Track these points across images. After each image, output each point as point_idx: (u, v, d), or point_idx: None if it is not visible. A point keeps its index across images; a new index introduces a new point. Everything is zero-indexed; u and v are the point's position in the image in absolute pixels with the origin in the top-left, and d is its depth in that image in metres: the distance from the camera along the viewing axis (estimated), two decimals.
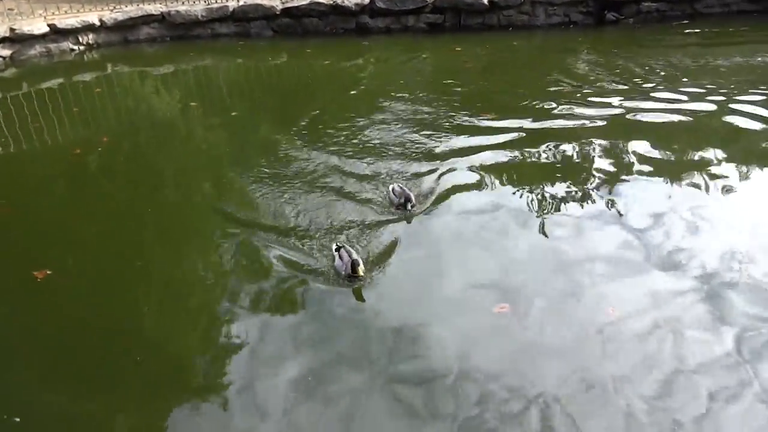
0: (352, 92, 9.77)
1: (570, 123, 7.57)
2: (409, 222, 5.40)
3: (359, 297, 4.45)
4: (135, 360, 4.06)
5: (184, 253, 5.43)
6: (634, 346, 3.89)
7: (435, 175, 6.29)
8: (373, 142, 7.33)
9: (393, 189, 5.77)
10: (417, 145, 7.13)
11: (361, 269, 4.50)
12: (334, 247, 4.86)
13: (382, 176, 6.33)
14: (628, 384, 3.60)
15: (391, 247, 5.03)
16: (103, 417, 3.69)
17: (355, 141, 7.40)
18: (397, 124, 7.86)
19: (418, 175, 6.33)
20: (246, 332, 4.26)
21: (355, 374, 3.78)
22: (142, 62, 12.24)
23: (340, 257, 4.69)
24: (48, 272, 5.00)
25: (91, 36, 12.99)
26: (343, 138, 7.52)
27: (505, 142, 7.03)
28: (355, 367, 3.84)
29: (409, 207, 5.45)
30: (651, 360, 3.77)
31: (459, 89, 9.44)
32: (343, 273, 4.57)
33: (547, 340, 4.00)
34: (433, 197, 5.84)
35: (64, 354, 4.22)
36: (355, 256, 4.62)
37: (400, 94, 9.15)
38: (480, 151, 6.83)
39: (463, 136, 7.33)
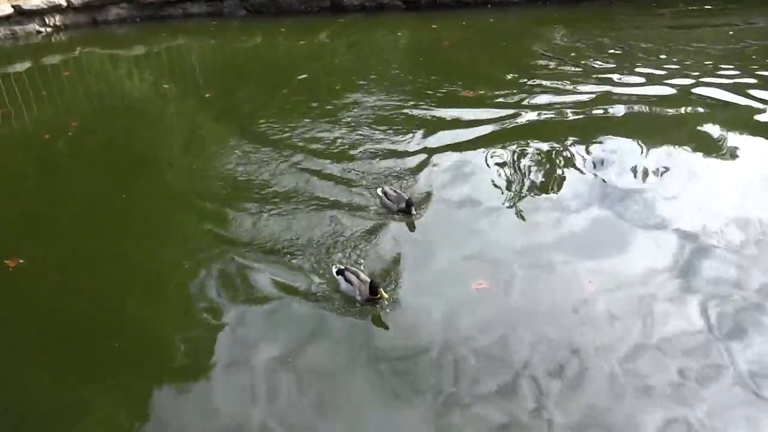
0: (326, 73, 9.66)
1: (545, 108, 7.48)
2: (412, 230, 5.01)
3: (380, 324, 4.02)
4: (113, 347, 4.02)
5: (159, 239, 5.36)
6: (611, 320, 3.97)
7: (425, 172, 5.97)
8: (347, 127, 7.21)
9: (386, 193, 5.29)
10: (397, 136, 6.89)
11: (382, 291, 4.04)
12: (334, 270, 4.39)
13: (364, 173, 5.98)
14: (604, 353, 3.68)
15: (395, 258, 4.64)
16: (84, 404, 3.66)
17: (328, 127, 7.27)
18: (374, 110, 7.75)
19: (406, 173, 6.00)
20: (222, 314, 4.24)
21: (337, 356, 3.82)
22: (112, 44, 11.94)
23: (347, 280, 4.20)
24: (20, 261, 4.92)
25: (58, 17, 12.64)
26: (317, 123, 7.41)
27: (487, 133, 6.85)
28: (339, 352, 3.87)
29: (413, 211, 5.05)
30: (625, 332, 3.85)
31: (436, 68, 9.37)
32: (359, 297, 4.09)
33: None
34: (428, 196, 5.52)
35: (40, 343, 4.16)
36: (364, 276, 4.18)
37: (377, 75, 9.08)
38: (461, 140, 6.67)
39: (441, 128, 7.07)
